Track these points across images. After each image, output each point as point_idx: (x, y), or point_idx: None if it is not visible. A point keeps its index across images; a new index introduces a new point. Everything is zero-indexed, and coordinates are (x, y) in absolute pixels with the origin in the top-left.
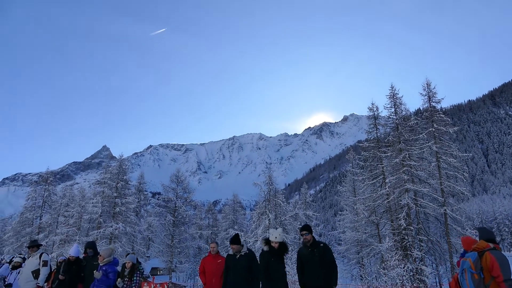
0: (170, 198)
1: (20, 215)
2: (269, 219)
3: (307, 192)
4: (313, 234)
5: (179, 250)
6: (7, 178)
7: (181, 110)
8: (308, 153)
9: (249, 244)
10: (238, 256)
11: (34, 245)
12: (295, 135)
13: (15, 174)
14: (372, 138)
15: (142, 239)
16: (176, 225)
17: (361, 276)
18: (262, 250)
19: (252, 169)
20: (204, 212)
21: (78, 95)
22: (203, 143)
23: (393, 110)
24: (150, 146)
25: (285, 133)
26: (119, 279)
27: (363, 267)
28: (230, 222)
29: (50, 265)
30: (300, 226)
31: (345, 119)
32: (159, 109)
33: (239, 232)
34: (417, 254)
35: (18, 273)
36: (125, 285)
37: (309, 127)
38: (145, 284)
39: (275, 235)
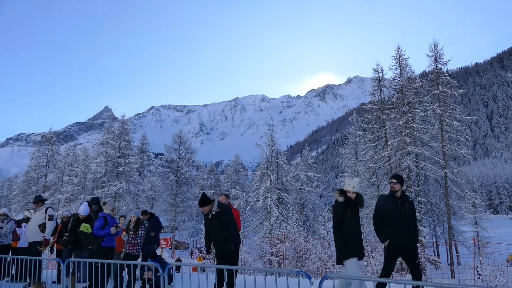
0: (172, 159)
1: (25, 174)
2: (271, 180)
3: (309, 154)
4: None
5: (182, 209)
6: (10, 138)
7: (183, 71)
8: (310, 115)
9: (251, 204)
10: (210, 216)
11: (39, 200)
12: (298, 97)
13: (18, 134)
14: (375, 100)
15: (145, 198)
16: (179, 185)
17: None
18: (336, 201)
19: (254, 130)
20: (207, 173)
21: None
22: (206, 105)
23: (398, 71)
24: (152, 107)
25: (288, 95)
26: (124, 233)
27: (362, 227)
28: (232, 182)
29: (56, 220)
30: (301, 187)
31: (349, 81)
32: (161, 70)
33: (205, 192)
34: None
35: (26, 227)
36: (130, 239)
37: (312, 89)
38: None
39: (353, 185)
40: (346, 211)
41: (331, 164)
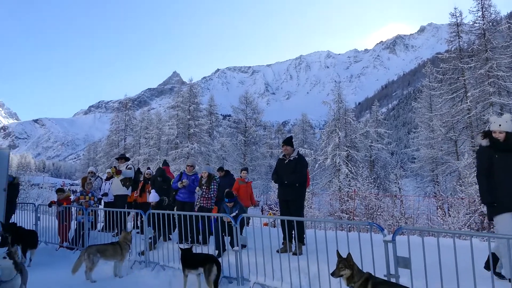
0: (240, 119)
1: (107, 138)
2: (339, 137)
3: (379, 110)
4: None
5: (251, 168)
6: (92, 106)
7: (246, 32)
8: (379, 69)
9: (319, 162)
10: (287, 160)
11: (122, 157)
12: (366, 50)
13: (99, 102)
14: (453, 49)
15: (216, 158)
16: (247, 145)
17: (435, 193)
18: (480, 146)
19: (320, 88)
20: (274, 132)
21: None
22: (270, 64)
23: (480, 14)
24: (218, 69)
25: (355, 49)
26: (197, 188)
27: (437, 185)
28: (300, 141)
29: (134, 170)
30: (371, 144)
31: (421, 29)
32: (225, 32)
33: (293, 135)
34: None
35: (111, 183)
36: (203, 193)
37: (381, 41)
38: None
39: (499, 123)
40: (493, 156)
41: (403, 120)
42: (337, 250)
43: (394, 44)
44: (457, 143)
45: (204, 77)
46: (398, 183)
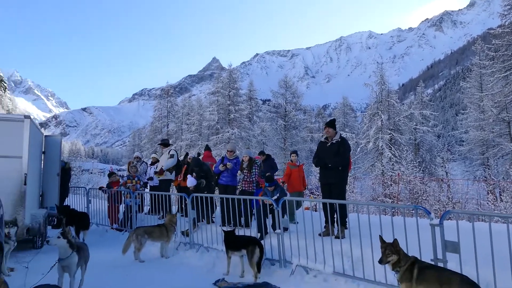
0: (280, 104)
1: (151, 125)
2: (382, 120)
3: (424, 91)
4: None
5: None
6: (136, 94)
7: (285, 15)
8: (425, 48)
9: (361, 145)
10: (329, 143)
11: (164, 143)
12: (410, 29)
13: (142, 90)
14: (507, 23)
15: (256, 142)
16: (287, 129)
17: (485, 177)
18: None
19: (362, 70)
20: (314, 116)
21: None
22: (309, 47)
23: None
24: (257, 54)
25: (398, 28)
26: (239, 171)
27: (488, 169)
28: (341, 125)
29: (177, 158)
30: (416, 127)
31: (471, 4)
32: (263, 16)
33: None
34: None
35: (156, 168)
36: (245, 177)
37: (427, 19)
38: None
39: None
40: None
41: (450, 101)
42: (380, 236)
43: (440, 21)
44: (510, 124)
45: (243, 62)
46: (445, 167)
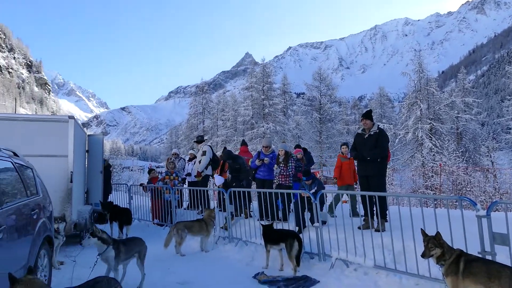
0: (314, 97)
1: (187, 122)
2: (421, 110)
3: (466, 77)
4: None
5: (327, 145)
6: (171, 92)
7: (317, 6)
8: (466, 32)
9: (400, 136)
10: (367, 135)
11: (199, 140)
12: (449, 13)
13: (177, 88)
14: None
15: (291, 136)
16: (322, 122)
17: None
18: None
19: (398, 59)
20: (350, 108)
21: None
22: (343, 38)
23: None
24: (290, 47)
25: (436, 13)
26: (275, 166)
27: None
28: (378, 116)
29: (211, 153)
30: (458, 115)
31: None
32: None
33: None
34: None
35: (194, 164)
36: (281, 170)
37: (467, 1)
38: None
39: None
40: None
41: (495, 86)
42: (422, 229)
43: (482, 3)
44: None
45: (276, 56)
46: (491, 156)
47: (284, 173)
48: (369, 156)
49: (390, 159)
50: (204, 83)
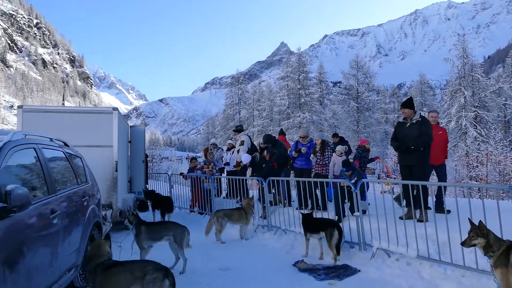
0: (351, 85)
1: (223, 112)
2: (465, 97)
3: None
4: None
5: (365, 135)
6: (207, 83)
7: None
8: None
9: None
10: (408, 124)
11: (237, 130)
12: None
13: (213, 79)
14: None
15: (328, 126)
16: (360, 111)
17: None
18: None
19: (440, 44)
20: (388, 96)
21: None
22: (381, 24)
23: None
24: (325, 35)
25: None
26: (312, 155)
27: None
28: (418, 104)
29: (249, 143)
30: (505, 102)
31: None
32: None
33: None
34: None
35: (232, 153)
36: (318, 160)
37: None
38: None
39: None
40: None
41: None
42: (469, 218)
43: None
44: None
45: (312, 45)
46: None
47: (321, 162)
48: (412, 145)
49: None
50: (239, 74)
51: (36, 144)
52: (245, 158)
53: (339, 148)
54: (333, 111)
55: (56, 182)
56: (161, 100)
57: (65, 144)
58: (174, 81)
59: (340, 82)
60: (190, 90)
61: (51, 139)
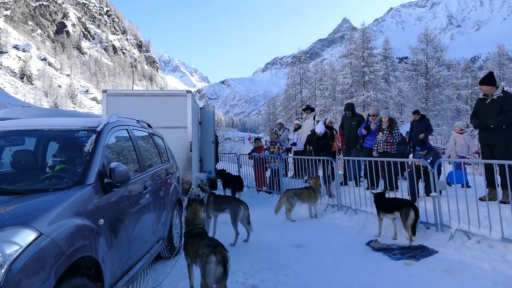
0: (419, 60)
1: (285, 92)
2: None
3: None
4: None
5: (435, 113)
6: (268, 63)
7: None
8: None
9: None
10: (489, 100)
11: (308, 108)
12: None
13: (274, 59)
14: None
15: (394, 104)
16: (429, 88)
17: None
18: None
19: None
20: (461, 71)
21: None
22: None
23: None
24: (391, 8)
25: None
26: (380, 133)
27: None
28: (496, 78)
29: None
30: None
31: None
32: None
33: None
34: None
35: (300, 133)
36: (387, 138)
37: None
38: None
39: None
40: None
41: None
42: None
43: None
44: None
45: (376, 19)
46: None
47: (390, 141)
48: (493, 123)
49: None
50: (300, 53)
51: (128, 125)
52: (319, 128)
53: (459, 124)
54: (399, 89)
55: (146, 160)
56: (222, 82)
57: (149, 126)
58: (235, 63)
59: (406, 57)
60: (251, 71)
61: (138, 121)
